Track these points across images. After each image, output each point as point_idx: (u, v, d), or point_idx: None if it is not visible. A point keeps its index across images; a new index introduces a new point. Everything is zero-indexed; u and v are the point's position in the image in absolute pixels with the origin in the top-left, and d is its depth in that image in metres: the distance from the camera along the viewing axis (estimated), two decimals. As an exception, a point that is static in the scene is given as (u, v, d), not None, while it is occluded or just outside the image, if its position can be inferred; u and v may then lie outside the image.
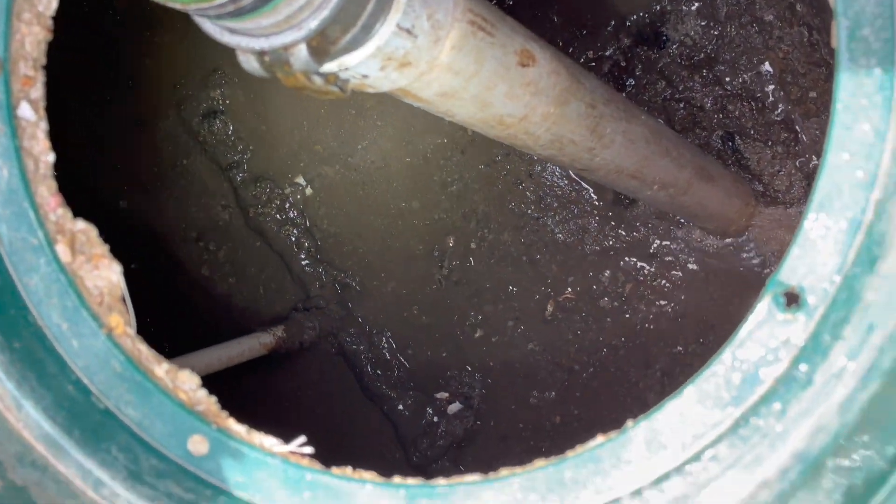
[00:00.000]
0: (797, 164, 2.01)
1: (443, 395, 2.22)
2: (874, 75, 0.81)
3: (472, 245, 2.22)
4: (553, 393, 2.15)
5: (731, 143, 2.03)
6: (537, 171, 2.17)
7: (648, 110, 2.04)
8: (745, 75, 2.03)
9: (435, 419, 2.21)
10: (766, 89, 2.02)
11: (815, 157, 1.98)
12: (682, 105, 2.07)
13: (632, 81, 2.10)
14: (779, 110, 2.01)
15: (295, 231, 2.30)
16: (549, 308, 2.17)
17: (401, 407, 2.21)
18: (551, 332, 2.17)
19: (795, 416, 0.79)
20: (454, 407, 2.21)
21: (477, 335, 2.21)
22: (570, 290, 2.14)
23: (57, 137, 0.99)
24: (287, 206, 2.30)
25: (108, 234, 1.01)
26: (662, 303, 2.10)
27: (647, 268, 2.11)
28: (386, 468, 2.40)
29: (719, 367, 0.84)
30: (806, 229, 0.84)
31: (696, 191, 1.74)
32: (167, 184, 2.35)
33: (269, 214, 2.29)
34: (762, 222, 2.02)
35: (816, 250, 0.83)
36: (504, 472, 0.89)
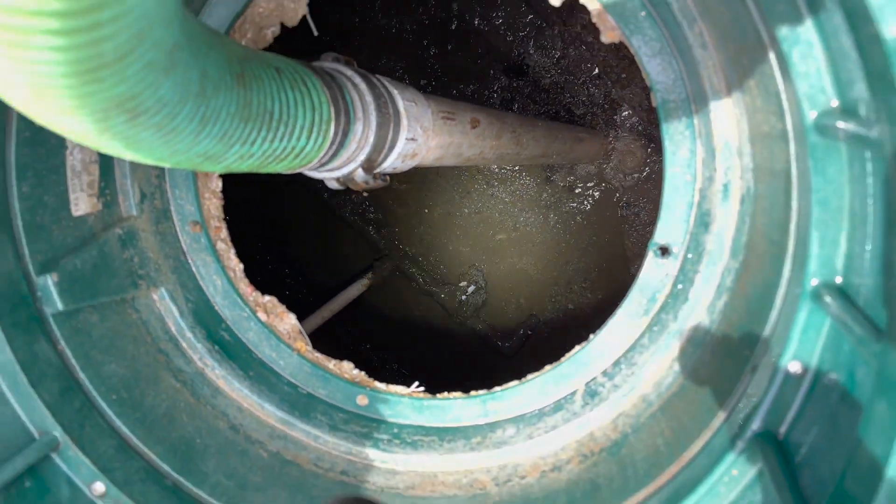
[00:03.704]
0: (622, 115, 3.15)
1: (463, 283, 3.54)
2: (682, 119, 1.45)
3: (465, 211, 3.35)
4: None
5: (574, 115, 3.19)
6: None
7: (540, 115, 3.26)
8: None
9: (462, 297, 3.43)
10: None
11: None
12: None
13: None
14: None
15: (364, 215, 3.48)
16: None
17: (443, 296, 3.54)
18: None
19: (682, 318, 1.45)
20: (471, 288, 3.53)
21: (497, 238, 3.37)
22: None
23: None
24: (357, 205, 3.47)
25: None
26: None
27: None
28: (447, 338, 3.61)
29: (634, 295, 1.52)
30: (665, 207, 1.49)
31: (575, 149, 2.80)
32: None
33: (346, 209, 3.46)
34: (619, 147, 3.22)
35: (672, 221, 1.48)
36: (530, 375, 1.58)
